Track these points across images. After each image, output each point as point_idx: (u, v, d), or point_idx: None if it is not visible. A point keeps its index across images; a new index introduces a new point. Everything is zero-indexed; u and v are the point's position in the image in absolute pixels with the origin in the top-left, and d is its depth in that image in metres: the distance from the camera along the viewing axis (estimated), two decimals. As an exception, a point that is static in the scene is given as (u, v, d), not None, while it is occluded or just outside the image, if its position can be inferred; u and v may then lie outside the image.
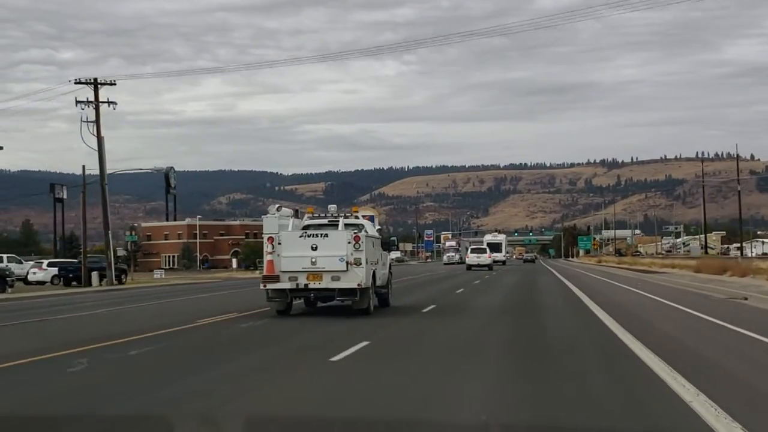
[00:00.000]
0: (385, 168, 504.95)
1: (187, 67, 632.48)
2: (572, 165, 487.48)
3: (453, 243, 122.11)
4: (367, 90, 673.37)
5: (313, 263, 20.73)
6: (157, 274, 74.37)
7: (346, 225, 22.39)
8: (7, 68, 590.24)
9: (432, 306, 23.97)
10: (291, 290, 21.03)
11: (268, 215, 22.06)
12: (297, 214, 23.57)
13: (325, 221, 23.07)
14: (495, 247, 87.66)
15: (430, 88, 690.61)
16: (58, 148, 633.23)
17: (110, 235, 53.18)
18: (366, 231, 22.34)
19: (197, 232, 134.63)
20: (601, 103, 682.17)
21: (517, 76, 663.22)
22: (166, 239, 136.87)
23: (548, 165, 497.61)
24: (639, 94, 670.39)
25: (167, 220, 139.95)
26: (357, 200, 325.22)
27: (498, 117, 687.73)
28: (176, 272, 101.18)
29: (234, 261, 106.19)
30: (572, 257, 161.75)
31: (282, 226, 21.72)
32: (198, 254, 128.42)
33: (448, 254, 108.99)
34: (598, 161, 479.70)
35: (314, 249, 20.78)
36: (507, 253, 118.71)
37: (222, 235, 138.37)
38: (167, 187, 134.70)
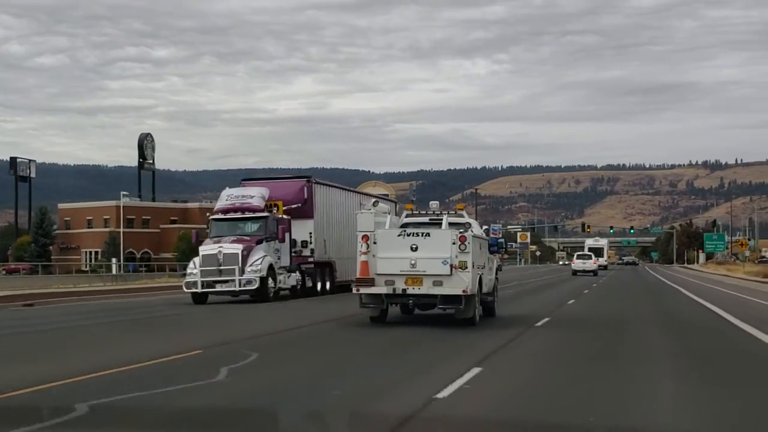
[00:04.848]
0: (478, 167, 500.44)
1: (278, 66, 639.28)
2: (672, 166, 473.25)
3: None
4: (458, 89, 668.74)
5: (413, 266, 18.25)
6: None
7: (450, 224, 19.78)
8: (104, 65, 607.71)
9: (546, 319, 21.10)
10: (387, 296, 18.61)
11: (362, 211, 19.73)
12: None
13: (426, 219, 20.52)
14: (597, 252, 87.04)
15: (523, 88, 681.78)
16: (155, 146, 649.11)
17: None
18: (472, 231, 19.71)
19: (132, 217, 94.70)
20: (700, 103, 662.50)
21: (612, 76, 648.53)
22: (89, 227, 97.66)
23: (647, 166, 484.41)
24: (740, 94, 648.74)
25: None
26: (449, 199, 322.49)
27: (594, 117, 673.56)
28: (86, 278, 61.11)
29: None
30: (690, 263, 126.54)
31: (378, 224, 19.30)
32: (122, 249, 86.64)
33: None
34: (700, 162, 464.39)
35: (414, 250, 18.28)
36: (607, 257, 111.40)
37: (174, 222, 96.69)
38: (140, 162, 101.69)
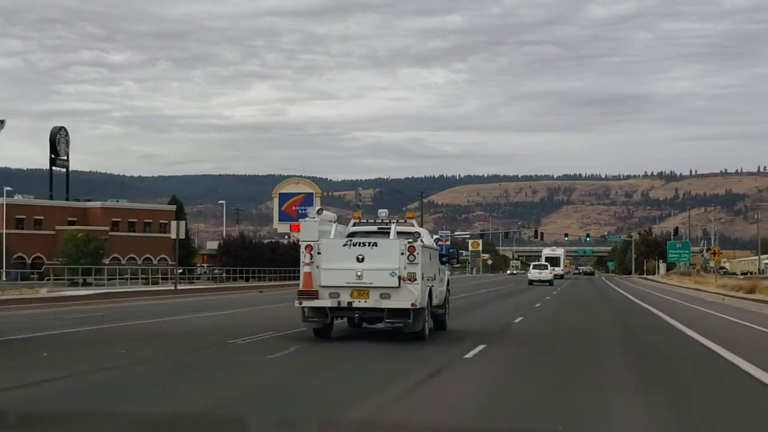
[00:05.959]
0: (435, 176, 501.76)
1: (235, 72, 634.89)
2: (628, 177, 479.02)
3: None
4: (416, 98, 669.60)
5: (359, 277, 17.40)
6: None
7: (399, 233, 18.87)
8: (57, 69, 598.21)
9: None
10: (332, 309, 17.72)
11: (307, 219, 18.69)
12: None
13: (374, 228, 19.61)
14: (554, 262, 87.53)
15: (480, 97, 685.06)
16: (110, 150, 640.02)
17: None
18: (422, 240, 18.86)
19: (22, 217, 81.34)
20: (655, 115, 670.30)
21: (569, 87, 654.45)
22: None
23: (603, 176, 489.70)
24: (694, 106, 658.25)
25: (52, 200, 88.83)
26: (406, 207, 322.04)
27: (551, 127, 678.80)
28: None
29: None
30: (650, 274, 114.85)
31: (323, 233, 18.33)
32: (6, 253, 74.14)
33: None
34: (655, 173, 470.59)
35: (360, 260, 17.42)
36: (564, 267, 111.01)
37: (73, 223, 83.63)
38: (52, 158, 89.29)
